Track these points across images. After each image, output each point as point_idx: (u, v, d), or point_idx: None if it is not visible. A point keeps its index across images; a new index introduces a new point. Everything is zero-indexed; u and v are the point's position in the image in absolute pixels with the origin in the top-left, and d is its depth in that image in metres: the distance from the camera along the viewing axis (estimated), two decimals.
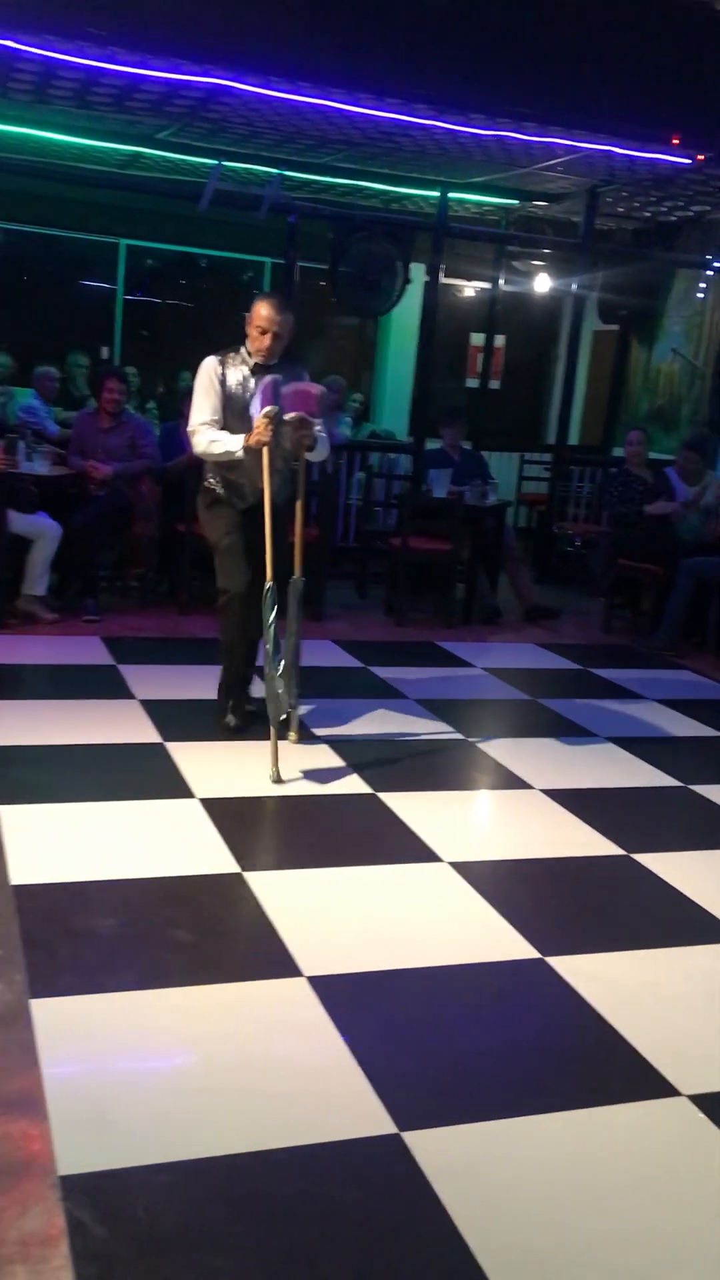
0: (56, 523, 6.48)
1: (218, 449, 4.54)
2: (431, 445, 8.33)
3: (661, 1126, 2.53)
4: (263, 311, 4.54)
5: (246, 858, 3.66)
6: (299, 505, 4.54)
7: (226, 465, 4.62)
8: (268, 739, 4.44)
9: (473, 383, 11.28)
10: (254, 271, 11.31)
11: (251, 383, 4.54)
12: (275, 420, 4.32)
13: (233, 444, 4.49)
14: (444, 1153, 2.36)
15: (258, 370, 4.56)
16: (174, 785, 4.24)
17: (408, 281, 9.06)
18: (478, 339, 11.18)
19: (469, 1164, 2.34)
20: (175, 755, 4.53)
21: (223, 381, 4.59)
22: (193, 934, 3.16)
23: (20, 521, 6.35)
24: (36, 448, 6.73)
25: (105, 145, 8.49)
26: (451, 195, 9.03)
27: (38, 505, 6.51)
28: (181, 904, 3.32)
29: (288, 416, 4.36)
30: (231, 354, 4.65)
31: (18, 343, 9.51)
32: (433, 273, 8.82)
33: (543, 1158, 2.38)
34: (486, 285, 10.89)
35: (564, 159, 7.52)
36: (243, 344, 4.64)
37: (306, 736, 4.82)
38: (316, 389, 4.54)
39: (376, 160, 8.34)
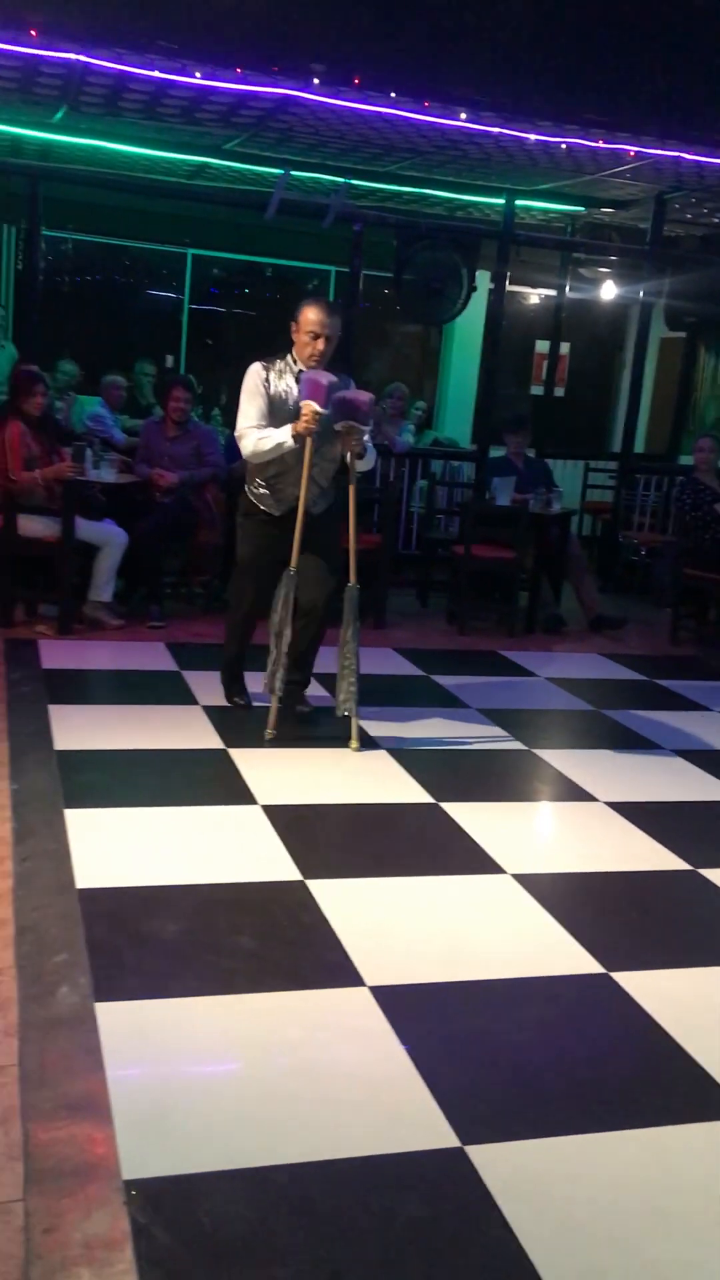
0: (122, 530, 6.55)
1: (267, 444, 4.53)
2: (495, 453, 8.30)
3: None
4: (311, 315, 4.52)
5: (309, 865, 3.66)
6: (351, 512, 4.60)
7: (273, 470, 4.64)
8: (330, 746, 4.67)
9: (537, 390, 11.23)
10: (319, 280, 11.36)
11: (295, 389, 4.55)
12: (319, 424, 4.37)
13: (281, 435, 4.49)
14: (508, 1168, 2.34)
15: (302, 377, 4.56)
16: (237, 791, 4.25)
17: (472, 289, 9.05)
18: (542, 346, 11.12)
19: (534, 1180, 2.31)
20: (238, 761, 4.55)
21: (268, 387, 4.61)
22: (255, 941, 3.16)
23: (87, 528, 6.43)
24: (103, 455, 6.81)
25: (173, 156, 8.58)
26: (517, 202, 9.00)
27: (104, 512, 6.59)
28: (244, 910, 3.33)
29: (337, 426, 4.41)
30: (277, 361, 4.66)
31: (85, 352, 9.65)
32: (498, 280, 8.79)
33: (609, 1176, 2.35)
34: (551, 292, 10.83)
35: (632, 165, 7.46)
36: (288, 352, 4.64)
37: (368, 744, 4.81)
38: (365, 396, 4.52)
39: (442, 168, 8.34)
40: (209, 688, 5.48)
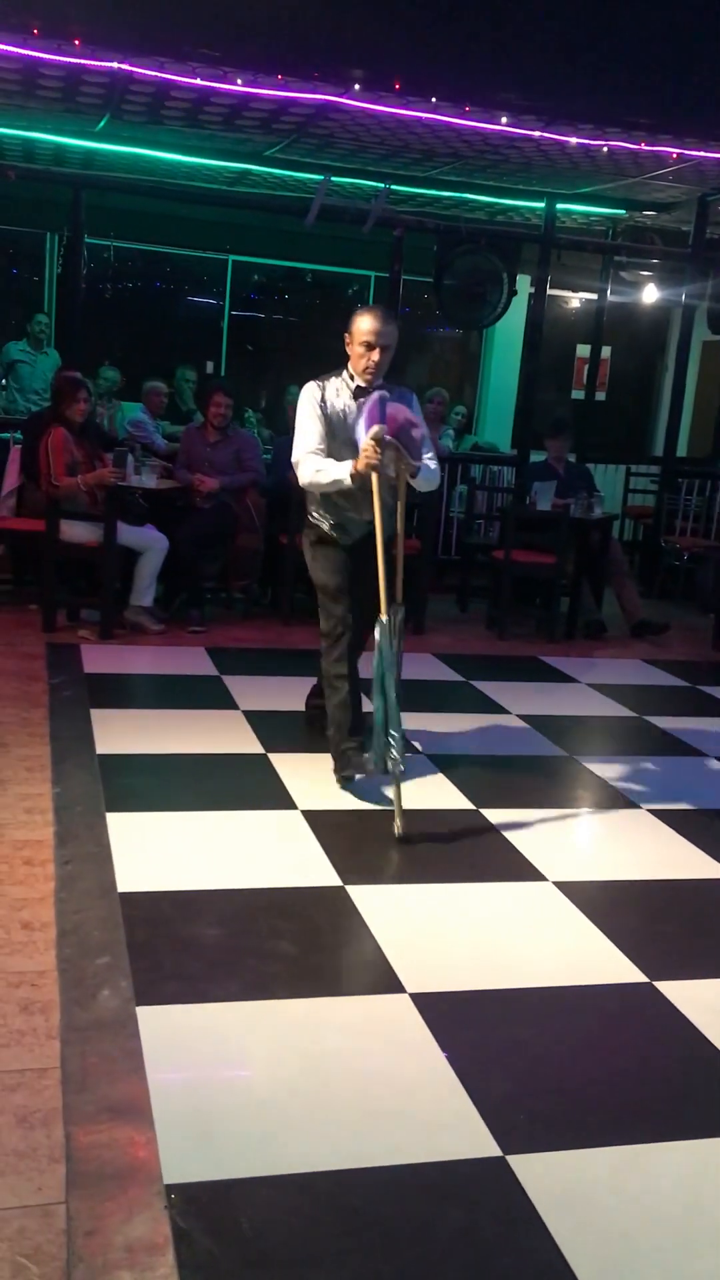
0: (163, 535, 6.58)
1: (324, 479, 4.17)
2: (536, 457, 8.26)
3: None
4: (365, 325, 4.19)
5: (349, 871, 3.65)
6: (399, 529, 4.20)
7: (335, 498, 4.31)
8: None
9: (578, 394, 11.17)
10: (359, 285, 11.38)
11: (354, 407, 4.21)
12: (382, 442, 3.98)
13: (339, 471, 4.12)
14: (550, 1178, 2.32)
15: (360, 393, 4.22)
16: (277, 796, 4.25)
17: (513, 293, 9.01)
18: (583, 350, 11.06)
19: (576, 1191, 2.29)
20: (278, 766, 4.55)
21: (325, 407, 4.25)
22: (296, 946, 3.16)
23: (128, 533, 6.47)
24: (145, 461, 6.85)
25: (214, 163, 8.62)
26: (558, 206, 8.97)
27: (145, 518, 6.63)
28: (284, 915, 3.33)
29: (386, 436, 4.00)
30: (333, 378, 4.32)
31: (127, 358, 9.72)
32: (539, 285, 8.76)
33: (653, 1189, 2.32)
34: (593, 296, 10.77)
35: (674, 168, 7.40)
36: (344, 367, 4.30)
37: (408, 749, 4.79)
38: (402, 413, 4.09)
39: (483, 173, 8.32)
40: (249, 692, 5.50)
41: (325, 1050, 2.72)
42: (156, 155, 8.42)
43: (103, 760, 4.44)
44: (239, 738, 4.87)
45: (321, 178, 8.43)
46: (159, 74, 5.90)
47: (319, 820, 4.04)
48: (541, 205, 8.95)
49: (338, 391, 4.28)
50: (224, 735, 4.88)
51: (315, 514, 4.43)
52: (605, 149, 6.90)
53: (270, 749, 4.74)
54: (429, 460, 4.18)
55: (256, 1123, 2.43)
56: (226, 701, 5.36)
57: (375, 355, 4.19)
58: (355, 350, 4.24)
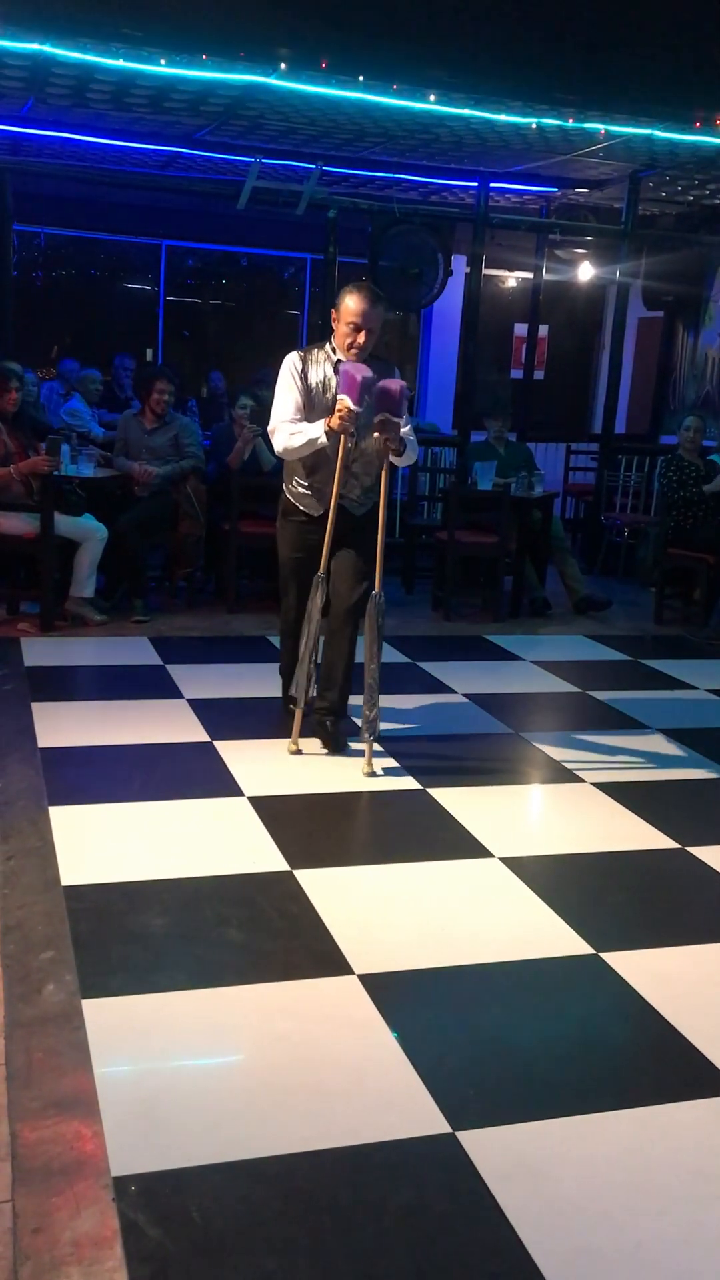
0: (103, 525, 6.51)
1: (299, 440, 4.26)
2: (477, 438, 8.27)
3: None
4: (352, 305, 4.21)
5: (296, 855, 3.65)
6: (381, 513, 4.29)
7: (307, 467, 4.39)
8: (325, 740, 4.57)
9: (517, 374, 11.20)
10: (295, 268, 11.31)
11: (334, 380, 4.27)
12: (358, 419, 4.11)
13: (314, 431, 4.22)
14: (499, 1152, 2.33)
15: (340, 367, 4.26)
16: (223, 784, 4.23)
17: (449, 273, 9.00)
18: (521, 329, 11.09)
19: (525, 1163, 2.31)
20: (224, 754, 4.53)
21: (304, 378, 4.33)
22: (244, 933, 3.15)
23: (66, 524, 6.39)
24: (81, 450, 6.76)
25: (143, 146, 8.51)
26: (491, 185, 8.96)
27: (84, 508, 6.55)
28: (232, 903, 3.31)
29: (374, 419, 4.14)
30: (315, 350, 4.38)
31: (62, 347, 9.58)
32: (474, 264, 8.76)
33: (600, 1157, 2.34)
34: (529, 275, 10.80)
35: (604, 145, 7.42)
36: (328, 340, 4.38)
37: (354, 732, 4.79)
38: (397, 385, 4.20)
39: (415, 152, 8.29)
40: (194, 680, 5.46)
41: (274, 1035, 2.72)
42: (85, 139, 8.29)
43: (45, 754, 4.39)
44: (184, 727, 4.84)
45: (252, 160, 8.36)
46: (81, 56, 5.80)
47: (266, 806, 4.03)
48: (475, 184, 8.94)
49: (318, 363, 4.34)
50: (168, 725, 4.85)
51: (286, 485, 4.54)
52: (534, 126, 6.90)
53: (216, 737, 4.71)
54: (406, 432, 4.27)
55: (205, 1111, 2.42)
56: (171, 691, 5.32)
57: (361, 338, 4.23)
58: (341, 329, 4.26)
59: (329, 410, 4.22)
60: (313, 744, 4.62)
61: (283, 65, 5.80)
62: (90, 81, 6.49)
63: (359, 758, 4.46)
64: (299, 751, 4.52)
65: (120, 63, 5.90)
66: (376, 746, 4.52)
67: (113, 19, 5.32)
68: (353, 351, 4.25)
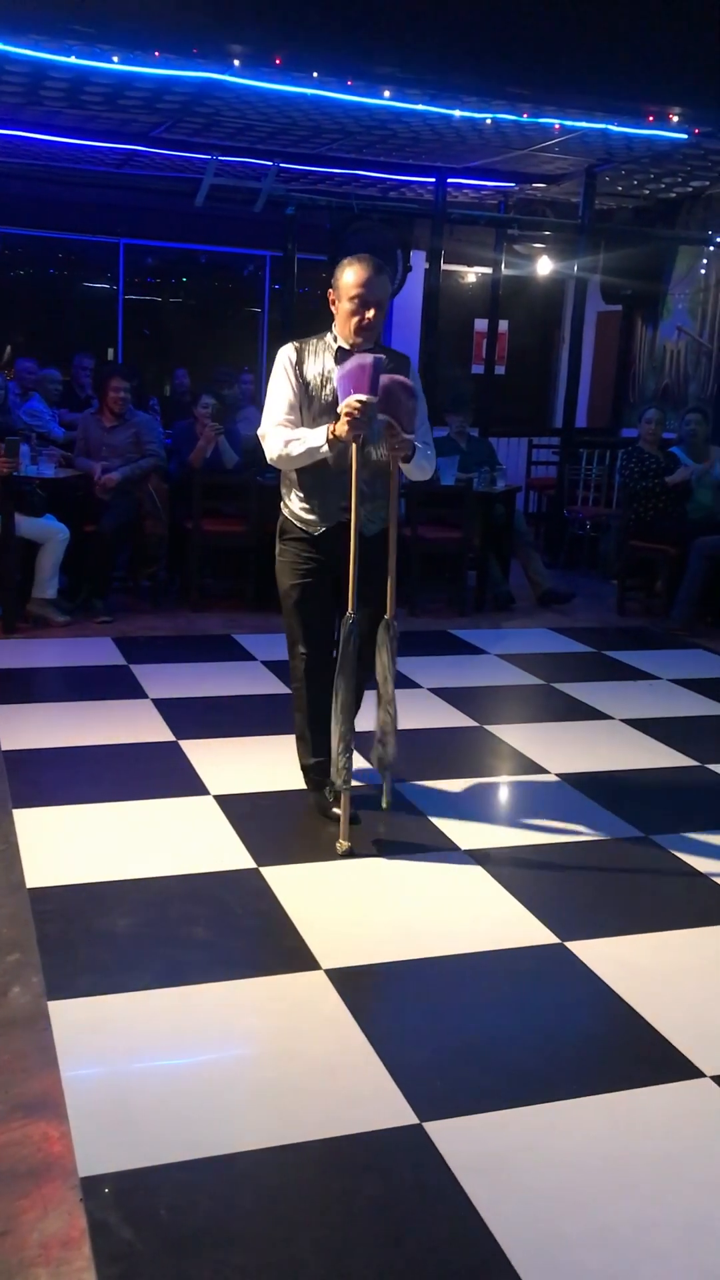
0: (64, 525, 6.47)
1: (297, 449, 3.57)
2: (438, 433, 8.29)
3: (686, 1109, 2.50)
4: (351, 277, 3.52)
5: (262, 853, 3.64)
6: (391, 532, 3.65)
7: (307, 477, 3.71)
8: (291, 734, 4.08)
9: (478, 369, 11.23)
10: (255, 265, 11.28)
11: (336, 374, 3.53)
12: (370, 414, 3.40)
13: (314, 439, 3.54)
14: (466, 1142, 2.34)
15: (343, 356, 3.55)
16: (188, 783, 4.22)
17: (408, 269, 9.02)
18: (481, 325, 11.12)
19: (492, 1153, 2.32)
20: (189, 753, 4.52)
21: (300, 372, 3.64)
22: (210, 931, 3.15)
23: (28, 525, 6.35)
24: (41, 450, 6.72)
25: (99, 144, 8.46)
26: (449, 180, 8.98)
27: (45, 508, 6.51)
28: (199, 901, 3.31)
29: (375, 410, 3.41)
30: (314, 339, 3.69)
31: (20, 346, 9.51)
32: (433, 259, 8.78)
33: (567, 1145, 2.36)
34: (488, 270, 10.83)
35: (560, 139, 7.46)
36: (329, 329, 3.68)
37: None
38: (403, 381, 3.52)
39: (372, 148, 8.29)
40: (158, 680, 5.45)
41: (241, 1032, 2.72)
42: (40, 138, 8.24)
43: (8, 756, 4.36)
44: (149, 727, 4.82)
45: (210, 157, 8.34)
46: (33, 53, 5.76)
47: (232, 805, 4.02)
48: (433, 180, 8.96)
49: (317, 354, 3.65)
50: (133, 725, 4.83)
51: (285, 498, 3.82)
52: (489, 121, 6.92)
53: (181, 736, 4.70)
54: (419, 441, 3.61)
55: (173, 1109, 2.42)
56: (135, 691, 5.30)
57: (369, 315, 3.52)
58: (343, 309, 3.56)
59: (329, 408, 3.57)
60: (260, 740, 4.58)
61: (237, 62, 5.79)
62: (43, 79, 6.45)
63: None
64: (351, 852, 3.66)
65: (73, 59, 5.87)
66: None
67: (64, 16, 5.29)
68: (361, 334, 3.54)
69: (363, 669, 3.77)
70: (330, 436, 3.49)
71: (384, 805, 3.95)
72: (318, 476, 3.67)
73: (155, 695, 5.22)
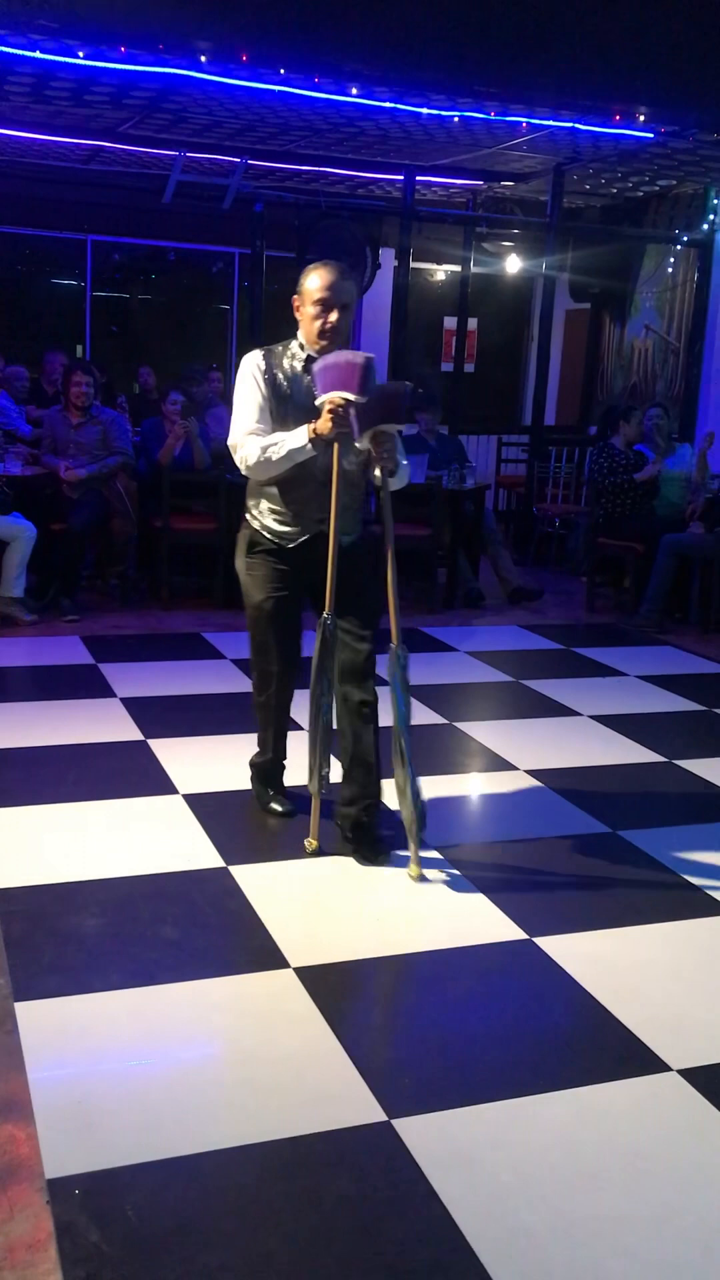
0: (30, 523, 6.43)
1: (278, 453, 3.43)
2: (408, 431, 8.29)
3: (653, 1102, 2.52)
4: (314, 282, 3.46)
5: (231, 852, 3.64)
6: (389, 555, 3.48)
7: (288, 491, 3.58)
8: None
9: (447, 367, 11.25)
10: (223, 263, 11.24)
11: (307, 380, 3.48)
12: (351, 406, 3.29)
13: (295, 440, 3.41)
14: (435, 1138, 2.35)
15: (311, 365, 3.45)
16: (157, 782, 4.21)
17: (377, 267, 9.02)
18: (450, 322, 11.14)
19: (460, 1148, 2.33)
20: (158, 752, 4.50)
21: (269, 380, 3.54)
22: (178, 930, 3.14)
23: None
24: (7, 448, 6.68)
25: (66, 140, 8.41)
26: (418, 178, 8.99)
27: (12, 506, 6.47)
28: (167, 900, 3.30)
29: (360, 442, 3.38)
30: (279, 348, 3.61)
31: None
32: (402, 257, 8.78)
33: (535, 1139, 2.37)
34: (457, 268, 10.85)
35: (527, 138, 7.48)
36: (294, 337, 3.61)
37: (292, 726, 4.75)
38: (404, 387, 3.46)
39: (340, 145, 8.29)
40: (127, 679, 5.42)
41: (210, 1031, 2.71)
42: (5, 133, 8.18)
43: None
44: (117, 726, 4.80)
45: (177, 154, 8.30)
46: None
47: (201, 804, 4.01)
48: (401, 177, 8.96)
49: (284, 362, 3.57)
50: (101, 724, 4.81)
51: (252, 510, 3.69)
52: (457, 119, 6.93)
53: (149, 735, 4.68)
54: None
55: (141, 1110, 2.41)
56: (104, 690, 5.28)
57: (333, 316, 3.45)
58: (307, 313, 3.50)
59: (301, 417, 3.46)
60: (229, 739, 4.56)
61: (203, 58, 5.77)
62: (8, 74, 6.40)
63: (293, 745, 4.42)
64: (320, 851, 3.65)
65: (38, 54, 5.83)
66: (304, 733, 3.71)
67: (29, 10, 5.25)
68: (326, 337, 3.47)
69: (367, 707, 3.65)
70: (312, 435, 3.39)
71: (412, 875, 3.53)
72: (296, 487, 3.56)
73: (123, 694, 5.20)
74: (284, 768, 3.99)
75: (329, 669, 3.54)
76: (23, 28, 5.34)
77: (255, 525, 3.68)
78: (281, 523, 3.63)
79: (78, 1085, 2.50)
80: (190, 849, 3.66)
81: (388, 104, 6.62)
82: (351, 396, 3.27)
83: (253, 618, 3.73)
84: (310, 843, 3.68)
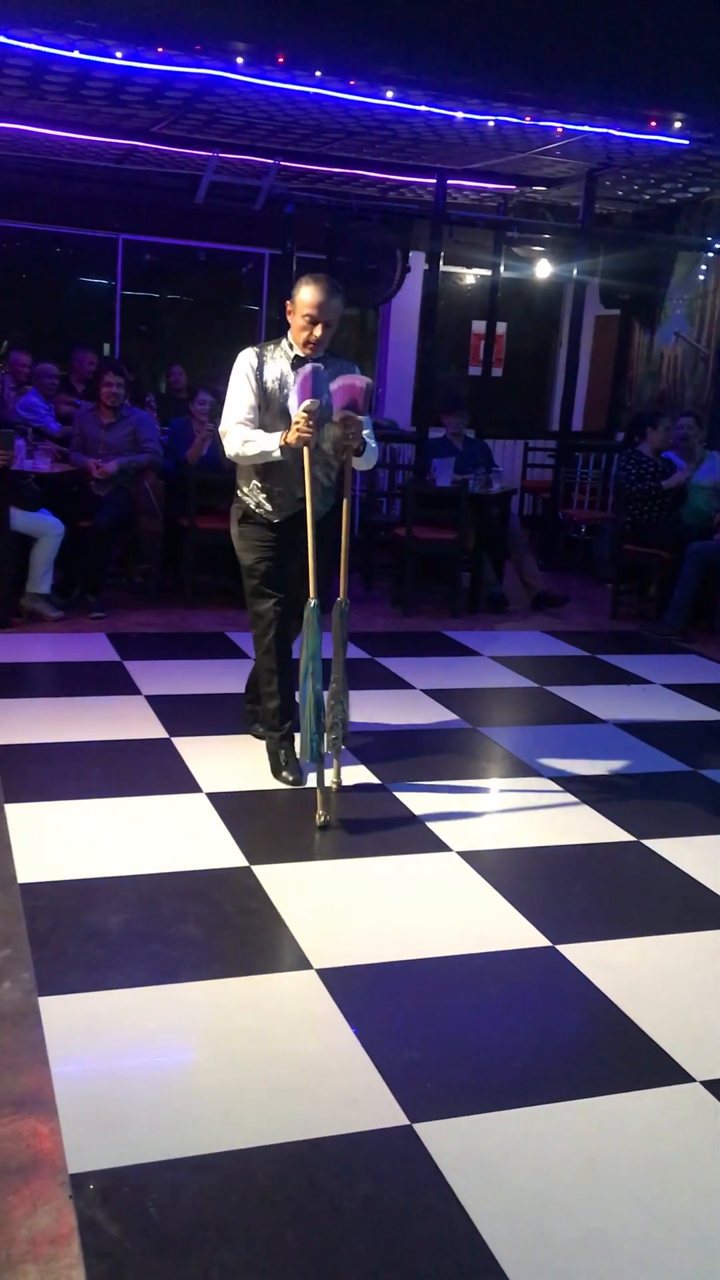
0: (59, 520, 6.46)
1: (252, 450, 4.00)
2: (435, 434, 8.30)
3: (675, 1113, 2.51)
4: (307, 297, 3.96)
5: (254, 851, 3.64)
6: (344, 517, 4.08)
7: (262, 471, 4.12)
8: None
9: (475, 371, 11.23)
10: (253, 264, 11.26)
11: (292, 377, 4.00)
12: (317, 415, 3.82)
13: (268, 443, 3.96)
14: (456, 1143, 2.35)
15: (298, 363, 4.00)
16: (181, 780, 4.22)
17: (407, 270, 9.02)
18: (479, 327, 11.13)
19: (482, 1154, 2.32)
20: (182, 750, 4.51)
21: (260, 376, 4.05)
22: (201, 929, 3.14)
23: (22, 519, 6.34)
24: (37, 445, 6.71)
25: (100, 139, 8.45)
26: (449, 182, 8.98)
27: (40, 503, 6.50)
28: (190, 899, 3.31)
29: (335, 417, 3.90)
30: (271, 346, 4.12)
31: (16, 339, 9.48)
32: (432, 260, 8.78)
33: (556, 1147, 2.37)
34: (487, 272, 10.83)
35: (561, 143, 7.46)
36: (284, 335, 4.11)
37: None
38: (362, 382, 3.94)
39: (372, 148, 8.29)
40: (152, 677, 5.44)
41: (232, 1031, 2.72)
42: (41, 132, 8.21)
43: (1, 750, 4.35)
44: (142, 723, 4.81)
45: (210, 155, 8.33)
46: (36, 47, 5.75)
47: (224, 803, 4.02)
48: (433, 181, 8.96)
49: (275, 359, 4.08)
50: (126, 721, 4.82)
51: (244, 488, 4.25)
52: (492, 123, 6.92)
53: (174, 733, 4.70)
54: (367, 436, 4.03)
55: (163, 1107, 2.42)
56: (129, 687, 5.30)
57: (317, 331, 3.99)
58: (297, 321, 4.01)
59: (284, 411, 3.98)
60: (253, 739, 4.57)
61: (240, 59, 5.79)
62: (45, 73, 6.43)
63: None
64: (327, 824, 3.88)
65: (76, 54, 5.86)
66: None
67: (68, 10, 5.28)
68: (309, 347, 4.01)
69: (294, 627, 4.23)
70: (282, 443, 3.92)
71: (332, 785, 4.13)
72: (276, 474, 4.11)
73: (148, 691, 5.22)
74: (293, 731, 4.26)
75: (312, 644, 3.96)
76: (62, 28, 5.36)
77: (248, 502, 4.24)
78: (268, 501, 4.19)
79: (101, 1081, 2.51)
80: (214, 848, 3.67)
81: (422, 107, 6.62)
82: (309, 402, 3.81)
83: (248, 576, 4.31)
84: (321, 816, 3.90)
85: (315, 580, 3.94)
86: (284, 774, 4.28)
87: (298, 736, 4.12)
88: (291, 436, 3.86)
